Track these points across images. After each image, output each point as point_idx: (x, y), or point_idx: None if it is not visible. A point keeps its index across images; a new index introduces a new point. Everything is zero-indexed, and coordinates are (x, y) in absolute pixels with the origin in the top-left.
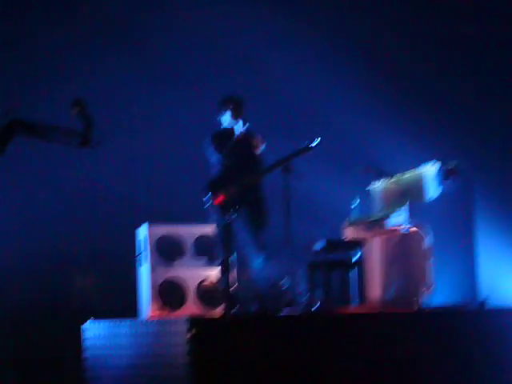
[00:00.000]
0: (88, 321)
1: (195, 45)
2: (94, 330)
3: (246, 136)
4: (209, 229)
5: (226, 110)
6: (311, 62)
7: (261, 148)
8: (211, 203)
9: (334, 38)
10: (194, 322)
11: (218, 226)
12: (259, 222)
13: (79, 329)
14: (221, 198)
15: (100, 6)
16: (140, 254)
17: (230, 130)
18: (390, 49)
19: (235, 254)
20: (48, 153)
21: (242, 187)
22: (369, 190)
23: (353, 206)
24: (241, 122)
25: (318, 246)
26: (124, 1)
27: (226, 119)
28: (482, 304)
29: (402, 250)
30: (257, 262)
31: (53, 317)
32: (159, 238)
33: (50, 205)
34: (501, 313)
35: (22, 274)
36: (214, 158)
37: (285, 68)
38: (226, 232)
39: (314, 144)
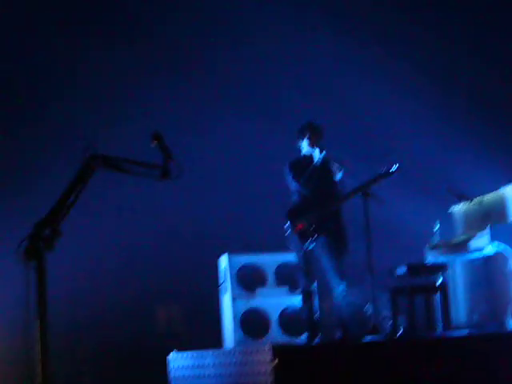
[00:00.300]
0: (172, 352)
1: (273, 72)
2: (178, 361)
3: (325, 163)
4: (290, 257)
5: (303, 138)
6: (390, 87)
7: (340, 174)
8: (291, 231)
9: (412, 63)
10: (278, 350)
11: (298, 255)
12: (340, 249)
13: (165, 360)
14: (300, 226)
15: (170, 38)
16: (222, 283)
17: (309, 158)
18: (468, 72)
19: (316, 282)
20: (129, 186)
21: (321, 215)
22: (450, 212)
23: (434, 230)
24: (318, 150)
25: (400, 270)
26: (193, 32)
27: (304, 147)
28: None
29: (486, 273)
30: (339, 290)
31: (139, 349)
32: (240, 268)
33: (130, 238)
34: None
35: (109, 307)
36: (293, 185)
37: (364, 93)
38: (306, 260)
39: (392, 170)
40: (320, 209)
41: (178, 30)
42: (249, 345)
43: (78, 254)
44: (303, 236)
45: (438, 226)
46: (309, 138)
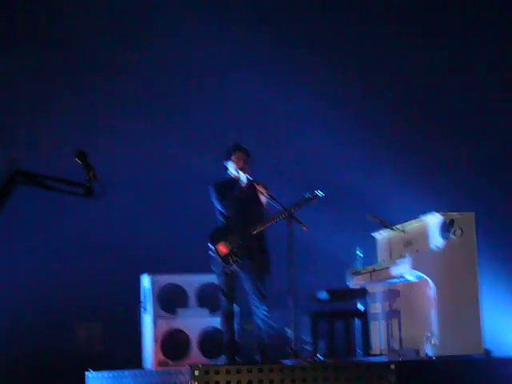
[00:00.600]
0: (90, 371)
1: (203, 93)
2: (96, 380)
3: (250, 185)
4: (211, 278)
5: (230, 159)
6: (317, 113)
7: (264, 197)
8: (214, 253)
9: (338, 90)
10: (197, 372)
11: (220, 276)
12: (262, 272)
13: (83, 378)
14: (223, 248)
15: (96, 57)
16: (142, 302)
17: (234, 179)
18: (395, 100)
19: (237, 304)
20: (51, 203)
21: (245, 237)
22: (373, 237)
23: (356, 255)
24: (243, 172)
25: (321, 295)
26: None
27: (230, 168)
28: (487, 353)
29: (407, 299)
30: (260, 312)
31: (57, 366)
32: (161, 288)
33: (53, 254)
34: (506, 362)
35: (28, 322)
36: (217, 206)
37: (291, 118)
38: (228, 282)
39: (317, 195)
40: (243, 231)
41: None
42: (168, 366)
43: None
44: (225, 258)
45: (359, 252)
46: (235, 160)
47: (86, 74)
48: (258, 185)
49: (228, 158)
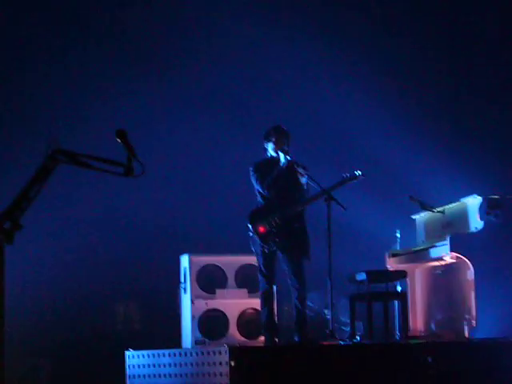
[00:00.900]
0: (129, 350)
1: (242, 73)
2: (135, 360)
3: (290, 166)
4: (250, 259)
5: (269, 141)
6: (358, 94)
7: (304, 178)
8: (253, 233)
9: (381, 71)
10: (235, 352)
11: (259, 257)
12: (301, 253)
13: (122, 358)
14: (262, 228)
15: (134, 36)
16: (182, 283)
17: (274, 160)
18: (438, 82)
19: (276, 285)
20: (92, 182)
21: (284, 217)
22: (412, 220)
23: (395, 237)
24: (283, 153)
25: (360, 277)
26: (158, 30)
27: (270, 149)
28: None
29: (446, 281)
30: (297, 293)
31: (97, 346)
32: (200, 269)
33: (92, 234)
34: None
35: (67, 303)
36: (257, 187)
37: (331, 99)
38: (267, 262)
39: (357, 175)
40: (282, 212)
41: (143, 27)
42: (207, 346)
43: (38, 247)
44: (265, 238)
45: (399, 234)
46: (275, 142)
47: (132, 58)
48: (298, 166)
49: (268, 139)
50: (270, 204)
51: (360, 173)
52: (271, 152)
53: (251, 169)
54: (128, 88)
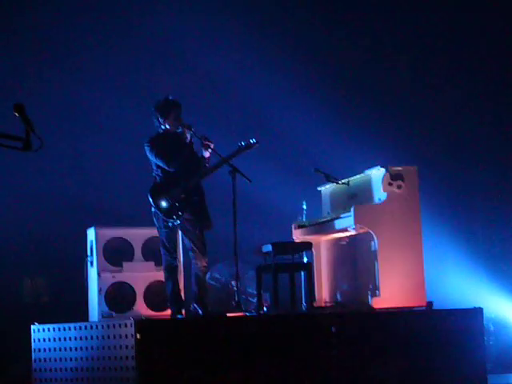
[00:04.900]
0: (35, 324)
1: (138, 48)
2: (41, 333)
3: (191, 139)
4: (156, 232)
5: (165, 117)
6: (261, 63)
7: (207, 151)
8: (155, 208)
9: (279, 39)
10: (141, 324)
11: (161, 230)
12: (201, 225)
13: (29, 330)
14: (164, 202)
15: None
16: (89, 256)
17: (172, 134)
18: (338, 53)
19: (180, 258)
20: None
21: (184, 191)
22: (318, 191)
23: (301, 209)
24: (186, 128)
25: (266, 248)
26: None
27: (166, 124)
28: (429, 306)
29: (351, 252)
30: (198, 266)
31: (2, 319)
32: (107, 242)
33: None
34: (447, 314)
35: None
36: (157, 162)
37: (231, 67)
38: (169, 236)
39: (251, 143)
40: (184, 185)
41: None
42: (114, 319)
43: None
44: (168, 213)
45: (305, 206)
46: (173, 117)
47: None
48: (202, 138)
49: (163, 115)
50: (171, 178)
51: (255, 140)
52: (167, 126)
53: (147, 144)
54: (23, 62)
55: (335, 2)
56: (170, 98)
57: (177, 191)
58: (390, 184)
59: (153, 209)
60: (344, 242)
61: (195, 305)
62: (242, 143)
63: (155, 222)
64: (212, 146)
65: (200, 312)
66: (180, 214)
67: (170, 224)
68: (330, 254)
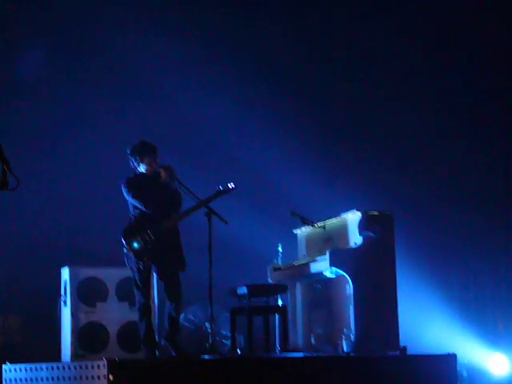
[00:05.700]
0: (7, 364)
1: (114, 88)
2: (12, 373)
3: (165, 182)
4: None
5: (141, 160)
6: (237, 106)
7: (171, 178)
8: (127, 250)
9: (267, 83)
10: (113, 365)
11: (134, 272)
12: (176, 267)
13: (0, 370)
14: (136, 244)
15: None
16: (63, 295)
17: (148, 175)
18: (315, 95)
19: (155, 300)
20: None
21: (158, 232)
22: (294, 233)
23: (277, 252)
24: (156, 168)
25: (241, 290)
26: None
27: (141, 168)
28: (403, 351)
29: (326, 296)
30: (175, 307)
31: None
32: (81, 281)
33: None
34: (421, 359)
35: None
36: (133, 202)
37: (207, 108)
38: (142, 278)
39: (229, 188)
40: (157, 227)
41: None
42: (86, 359)
43: None
44: (139, 254)
45: (281, 248)
46: (149, 161)
47: None
48: (162, 170)
49: (139, 158)
50: (144, 219)
51: (233, 185)
52: (142, 169)
53: (125, 186)
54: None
55: (312, 41)
56: (145, 141)
57: (150, 233)
58: (365, 228)
59: (124, 250)
60: (319, 286)
61: (166, 342)
62: (220, 187)
63: (126, 263)
64: (182, 186)
65: (173, 353)
66: (152, 255)
67: (141, 266)
68: (305, 297)
